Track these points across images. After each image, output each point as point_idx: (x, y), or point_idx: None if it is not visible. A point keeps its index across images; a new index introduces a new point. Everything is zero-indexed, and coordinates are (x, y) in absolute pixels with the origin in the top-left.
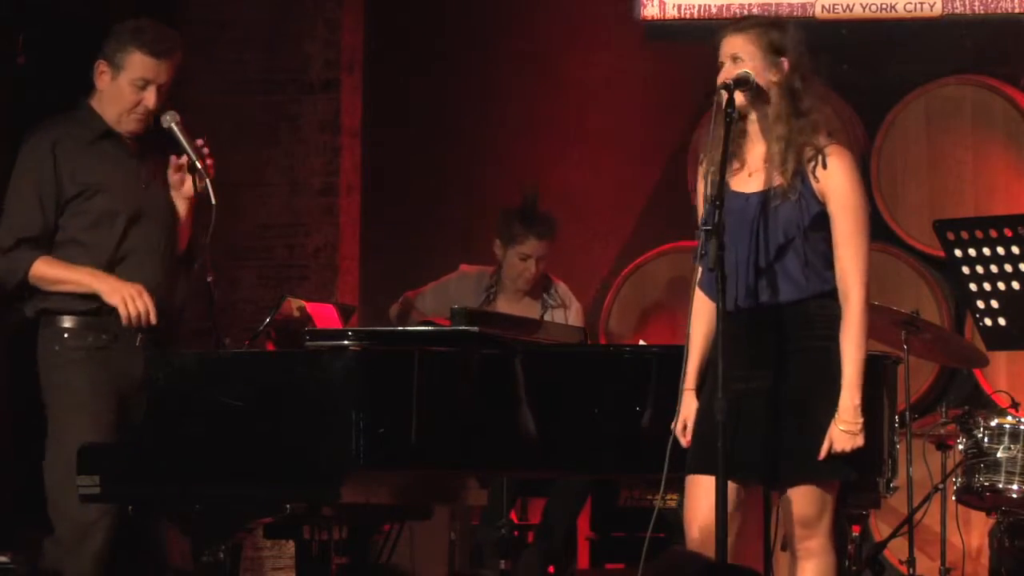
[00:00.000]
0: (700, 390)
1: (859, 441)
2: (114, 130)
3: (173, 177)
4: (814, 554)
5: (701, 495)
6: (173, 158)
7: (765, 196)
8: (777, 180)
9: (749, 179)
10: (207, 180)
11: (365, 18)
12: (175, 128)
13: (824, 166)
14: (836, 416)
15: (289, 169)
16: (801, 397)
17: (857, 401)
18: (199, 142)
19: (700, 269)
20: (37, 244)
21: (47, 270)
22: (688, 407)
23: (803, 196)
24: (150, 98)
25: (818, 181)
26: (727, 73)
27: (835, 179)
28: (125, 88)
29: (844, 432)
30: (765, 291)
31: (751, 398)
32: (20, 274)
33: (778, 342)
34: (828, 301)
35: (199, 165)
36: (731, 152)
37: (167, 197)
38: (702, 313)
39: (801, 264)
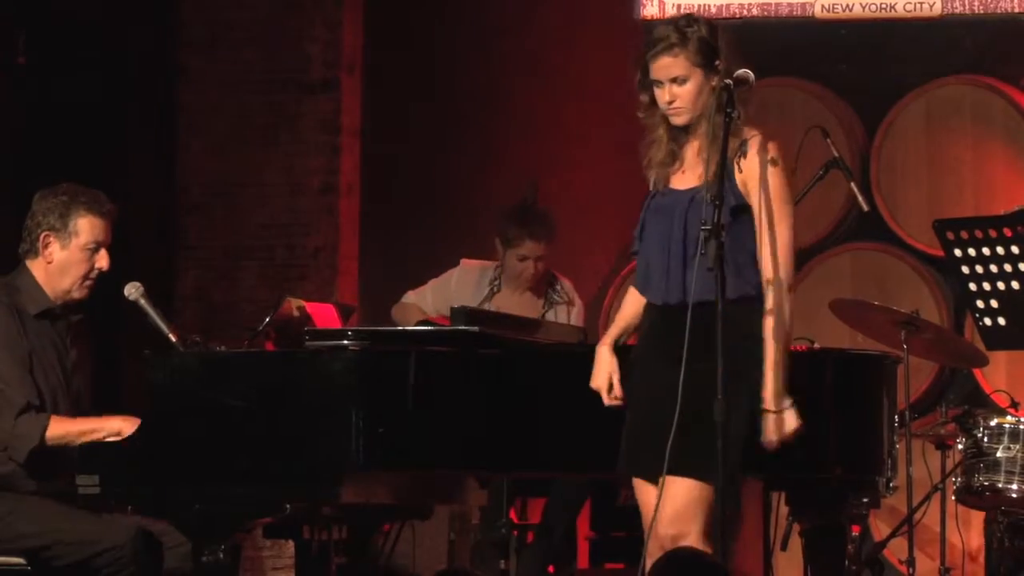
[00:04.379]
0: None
1: (787, 428)
2: (54, 308)
3: None
4: None
5: (649, 494)
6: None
7: (694, 192)
8: (704, 176)
9: (683, 176)
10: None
11: (365, 18)
12: (142, 301)
13: (744, 157)
14: (763, 403)
15: (289, 169)
16: (694, 400)
17: (778, 389)
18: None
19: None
20: (38, 409)
21: (61, 428)
22: (607, 362)
23: (725, 192)
24: (104, 261)
25: (741, 172)
26: (672, 95)
27: (754, 168)
28: (77, 255)
29: (770, 415)
30: (687, 289)
31: (664, 395)
32: (35, 440)
33: (692, 342)
34: (749, 303)
35: (171, 338)
36: (671, 151)
37: (87, 379)
38: (632, 302)
39: (727, 263)
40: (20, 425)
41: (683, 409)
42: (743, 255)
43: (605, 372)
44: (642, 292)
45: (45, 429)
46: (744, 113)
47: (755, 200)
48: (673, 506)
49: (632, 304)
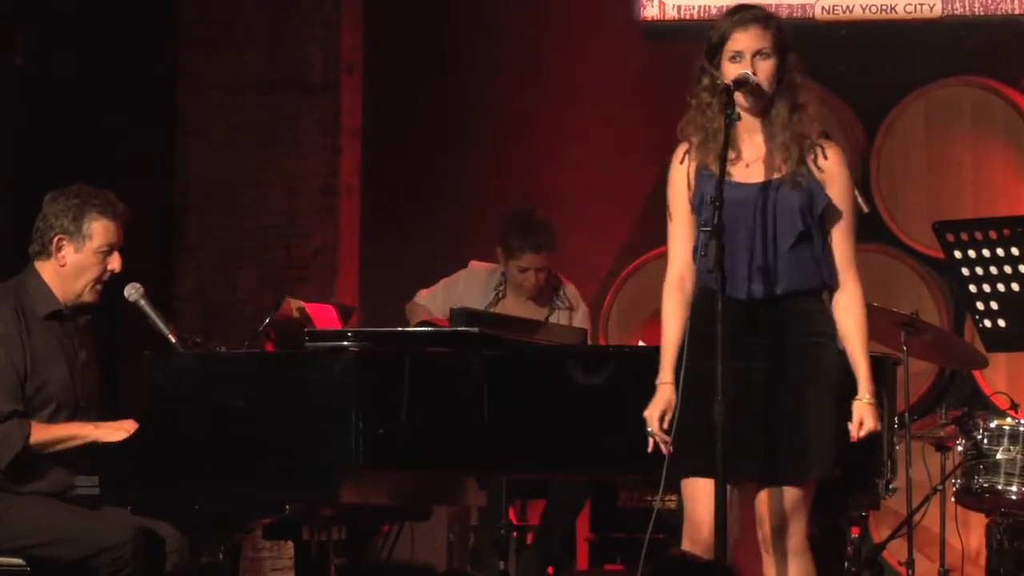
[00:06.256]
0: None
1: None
2: (63, 309)
3: None
4: (796, 554)
5: (703, 498)
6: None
7: (769, 186)
8: (783, 170)
9: (748, 169)
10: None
11: (365, 18)
12: (142, 302)
13: (825, 157)
14: (860, 400)
15: (288, 169)
16: (796, 395)
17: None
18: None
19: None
20: (24, 414)
21: (44, 434)
22: (667, 400)
23: (811, 186)
24: (116, 263)
25: (822, 171)
26: (755, 68)
27: (837, 173)
28: (91, 258)
29: (869, 406)
30: (777, 282)
31: (748, 393)
32: (18, 447)
33: (779, 335)
34: (822, 297)
35: (171, 339)
36: (726, 141)
37: (95, 378)
38: (676, 306)
39: (812, 255)
40: (2, 433)
41: (780, 407)
42: (817, 250)
43: (661, 407)
44: (709, 284)
45: (28, 436)
46: (811, 111)
47: (834, 204)
48: (781, 506)
49: (675, 322)
